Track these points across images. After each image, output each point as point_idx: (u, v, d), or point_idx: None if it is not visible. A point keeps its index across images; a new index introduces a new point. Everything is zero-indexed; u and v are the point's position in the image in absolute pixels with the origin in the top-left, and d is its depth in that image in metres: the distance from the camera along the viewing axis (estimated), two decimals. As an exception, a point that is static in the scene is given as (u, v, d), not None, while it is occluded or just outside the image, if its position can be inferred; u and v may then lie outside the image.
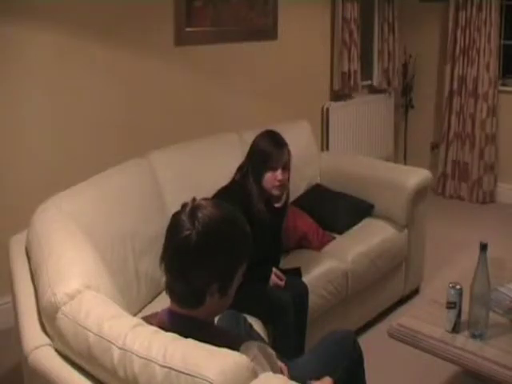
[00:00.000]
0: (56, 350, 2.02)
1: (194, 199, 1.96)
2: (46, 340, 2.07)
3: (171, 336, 1.81)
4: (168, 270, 1.93)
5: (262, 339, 2.46)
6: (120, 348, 1.77)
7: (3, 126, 4.07)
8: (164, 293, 2.04)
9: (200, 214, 1.88)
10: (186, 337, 1.80)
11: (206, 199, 1.98)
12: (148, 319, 2.03)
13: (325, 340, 2.75)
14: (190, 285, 1.89)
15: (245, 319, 2.57)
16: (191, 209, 1.91)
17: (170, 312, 1.97)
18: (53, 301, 2.02)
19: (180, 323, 1.93)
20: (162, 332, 1.85)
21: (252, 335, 2.42)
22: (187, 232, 1.85)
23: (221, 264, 1.90)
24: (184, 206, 1.95)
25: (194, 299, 1.91)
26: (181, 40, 4.97)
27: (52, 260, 2.34)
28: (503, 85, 6.73)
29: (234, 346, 1.81)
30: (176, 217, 1.93)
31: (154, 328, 1.88)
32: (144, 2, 4.66)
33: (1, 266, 3.15)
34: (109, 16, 4.47)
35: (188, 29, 4.99)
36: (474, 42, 6.59)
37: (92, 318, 1.91)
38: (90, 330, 1.86)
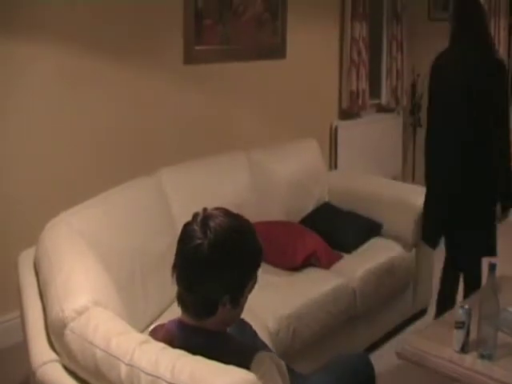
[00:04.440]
0: (63, 366, 2.02)
1: (205, 209, 1.96)
2: (54, 356, 2.08)
3: (179, 353, 1.81)
4: (180, 280, 1.91)
5: (266, 347, 2.45)
6: (127, 364, 1.77)
7: (12, 142, 4.08)
8: (171, 308, 2.06)
9: (212, 224, 1.88)
10: (197, 349, 1.80)
11: (217, 209, 1.97)
12: (155, 331, 2.04)
13: (338, 359, 2.73)
14: (202, 295, 1.89)
15: (250, 326, 2.56)
16: (203, 218, 1.91)
17: (181, 323, 1.96)
18: (61, 317, 2.02)
19: (191, 335, 1.93)
20: (170, 348, 1.85)
21: (256, 343, 2.41)
22: (199, 241, 1.85)
23: (233, 274, 1.90)
24: (195, 215, 1.94)
25: (206, 310, 1.90)
26: (190, 58, 4.99)
27: (60, 276, 2.34)
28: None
29: (246, 357, 1.83)
30: (187, 227, 1.93)
31: (162, 344, 1.88)
32: (153, 21, 4.68)
33: (9, 281, 3.16)
34: (118, 34, 4.49)
35: (197, 47, 5.02)
36: (482, 62, 6.60)
37: (100, 335, 1.91)
38: (97, 347, 1.86)
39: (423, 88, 6.95)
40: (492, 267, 2.78)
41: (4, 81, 4.01)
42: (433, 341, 2.98)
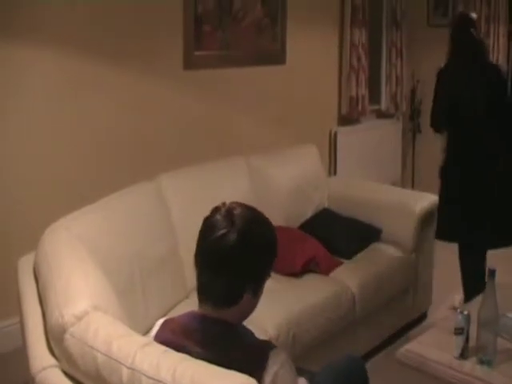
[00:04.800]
0: (63, 371, 2.02)
1: (224, 203, 2.00)
2: (54, 361, 2.08)
3: (180, 356, 1.81)
4: (206, 269, 1.95)
5: None
6: (129, 368, 1.78)
7: (12, 146, 4.09)
8: (171, 313, 2.06)
9: (236, 214, 1.94)
10: (217, 341, 1.89)
11: (235, 203, 2.02)
12: (165, 324, 2.05)
13: (332, 362, 2.74)
14: (228, 283, 1.92)
15: (251, 332, 2.57)
16: (226, 210, 1.96)
17: (200, 315, 1.97)
18: (60, 322, 2.03)
19: (211, 326, 1.94)
20: (172, 352, 1.86)
21: None
22: (224, 230, 1.89)
23: (256, 263, 1.96)
24: (217, 208, 2.00)
25: (231, 297, 1.93)
26: (190, 64, 5.00)
27: (60, 281, 2.34)
28: None
29: (264, 350, 1.89)
30: (210, 219, 1.97)
31: (164, 348, 1.88)
32: (153, 26, 4.69)
33: (9, 287, 3.16)
34: (118, 39, 4.50)
35: (197, 53, 5.03)
36: (482, 68, 6.61)
37: (100, 339, 1.91)
38: (98, 351, 1.87)
39: (422, 94, 6.97)
40: (491, 273, 2.78)
41: (4, 83, 4.02)
42: (432, 346, 2.98)
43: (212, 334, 1.92)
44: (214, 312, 1.95)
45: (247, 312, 2.03)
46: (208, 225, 1.96)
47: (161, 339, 1.99)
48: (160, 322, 2.10)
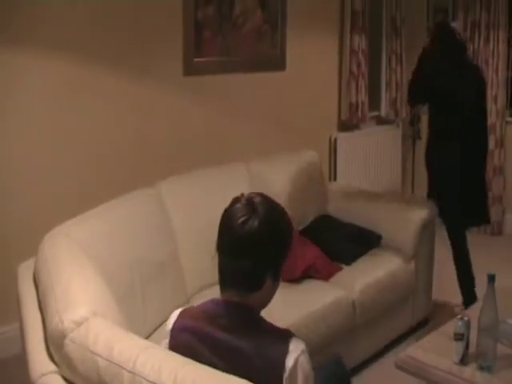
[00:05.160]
0: (63, 378, 2.02)
1: (242, 194, 2.07)
2: (53, 367, 2.07)
3: (182, 360, 1.81)
4: (229, 256, 1.99)
5: None
6: (130, 372, 1.78)
7: (11, 153, 4.09)
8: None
9: (256, 201, 2.00)
10: (241, 324, 1.95)
11: (253, 192, 2.08)
12: (183, 314, 2.06)
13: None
14: (251, 269, 1.95)
15: None
16: (246, 199, 2.02)
17: (224, 301, 2.01)
18: (60, 328, 2.03)
19: (236, 310, 1.98)
20: (173, 355, 1.87)
21: None
22: (246, 217, 1.94)
23: (277, 250, 2.02)
24: (236, 198, 2.05)
25: (254, 283, 1.98)
26: (189, 70, 5.00)
27: (59, 287, 2.35)
28: (511, 116, 6.75)
29: (285, 335, 1.96)
30: (231, 208, 2.02)
31: (165, 351, 1.89)
32: (153, 32, 4.69)
33: (9, 292, 3.15)
34: (118, 45, 4.50)
35: (197, 59, 5.03)
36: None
37: (101, 344, 1.91)
38: (99, 355, 1.87)
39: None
40: (491, 279, 2.78)
41: (3, 89, 4.02)
42: (432, 352, 2.98)
43: (236, 319, 1.96)
44: (238, 298, 1.98)
45: (268, 298, 2.07)
46: (229, 213, 2.01)
47: (181, 326, 2.02)
48: (177, 312, 2.11)
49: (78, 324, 2.03)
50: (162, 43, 4.78)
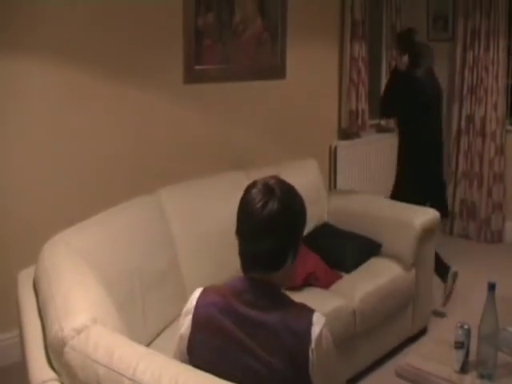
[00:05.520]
0: (63, 385, 2.02)
1: (256, 180, 2.13)
2: (53, 375, 2.07)
3: (183, 367, 1.81)
4: (251, 239, 2.04)
5: None
6: (130, 379, 1.77)
7: (11, 158, 4.09)
8: (172, 326, 2.06)
9: (272, 184, 2.06)
10: (266, 300, 2.00)
11: (266, 177, 2.14)
12: (205, 292, 2.10)
13: None
14: (275, 247, 2.01)
15: None
16: (262, 184, 2.08)
17: (249, 278, 2.06)
18: (60, 335, 2.02)
19: (261, 286, 2.03)
20: (174, 362, 1.88)
21: None
22: (266, 199, 2.01)
23: (297, 228, 2.10)
24: (251, 185, 2.12)
25: (278, 261, 2.04)
26: (190, 78, 5.01)
27: (59, 295, 2.34)
28: (511, 124, 6.76)
29: (309, 309, 2.03)
30: (248, 195, 2.09)
31: (165, 357, 1.89)
32: (153, 40, 4.70)
33: (9, 300, 3.15)
34: (118, 53, 4.51)
35: (197, 67, 5.04)
36: (482, 82, 6.63)
37: (101, 351, 1.91)
38: (99, 363, 1.86)
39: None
40: (491, 287, 2.78)
41: (3, 97, 4.02)
42: (432, 361, 2.98)
43: (260, 294, 2.01)
44: (262, 276, 2.04)
45: (288, 277, 2.14)
46: (248, 199, 2.07)
47: (205, 302, 2.05)
48: (198, 291, 2.14)
49: (78, 331, 2.03)
50: (162, 50, 4.78)
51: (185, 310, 2.11)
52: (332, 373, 2.03)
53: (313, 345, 1.92)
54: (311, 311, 2.01)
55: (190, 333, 2.04)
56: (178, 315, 2.14)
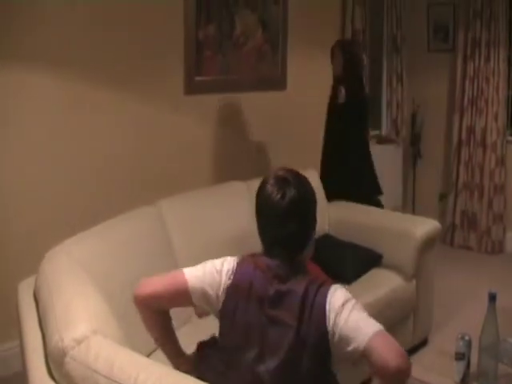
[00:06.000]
0: (63, 396, 2.02)
1: (265, 178, 2.25)
2: (53, 385, 2.07)
3: (182, 377, 1.81)
4: (279, 227, 2.18)
5: None
6: (131, 389, 1.78)
7: (11, 170, 4.10)
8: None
9: (283, 174, 2.22)
10: (295, 275, 2.17)
11: (275, 170, 2.28)
12: (243, 260, 2.26)
13: None
14: (302, 229, 2.21)
15: None
16: (274, 177, 2.22)
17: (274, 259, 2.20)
18: (60, 346, 2.02)
19: (287, 264, 2.18)
20: (175, 372, 1.89)
21: None
22: (283, 190, 2.15)
23: (314, 211, 2.27)
24: (264, 181, 2.23)
25: (304, 242, 2.24)
26: (190, 89, 5.02)
27: (60, 305, 2.34)
28: (512, 135, 6.78)
29: (327, 279, 2.24)
30: (263, 191, 2.22)
31: (166, 368, 1.90)
32: (154, 51, 4.71)
33: (9, 310, 3.15)
34: (119, 64, 4.52)
35: (198, 78, 5.05)
36: (482, 93, 6.63)
37: (101, 361, 1.91)
38: (99, 373, 1.86)
39: (423, 119, 7.00)
40: (492, 298, 2.78)
41: (4, 107, 4.03)
42: (433, 372, 2.98)
43: (286, 270, 2.17)
44: (289, 259, 2.20)
45: (312, 250, 2.32)
46: (265, 195, 2.20)
47: (243, 271, 2.22)
48: (237, 259, 2.29)
49: (79, 342, 2.02)
50: (163, 62, 4.79)
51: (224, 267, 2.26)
52: (365, 317, 2.20)
53: (327, 307, 2.08)
54: (329, 282, 2.19)
55: (225, 297, 2.21)
56: (179, 326, 2.14)
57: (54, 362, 2.07)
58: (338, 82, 5.07)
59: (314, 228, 2.28)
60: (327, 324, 2.06)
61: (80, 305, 2.35)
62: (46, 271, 2.76)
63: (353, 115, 4.97)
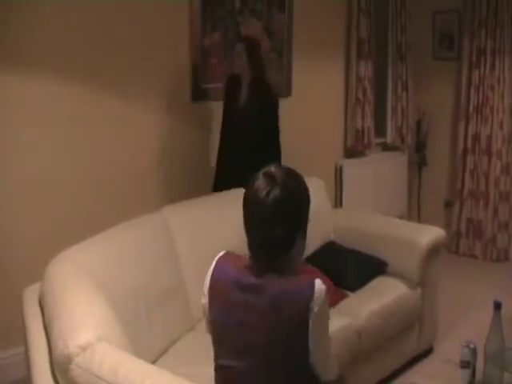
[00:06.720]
0: (68, 403, 2.02)
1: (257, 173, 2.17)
2: (58, 392, 2.07)
3: (187, 383, 1.81)
4: (262, 226, 2.12)
5: None
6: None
7: (13, 179, 4.11)
8: (177, 344, 2.06)
9: (273, 171, 2.14)
10: (271, 274, 2.12)
11: (270, 166, 2.19)
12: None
13: None
14: (285, 231, 2.12)
15: None
16: (263, 173, 2.15)
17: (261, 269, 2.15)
18: (65, 352, 2.03)
19: (268, 266, 2.14)
20: (180, 379, 1.88)
21: None
22: (269, 188, 2.08)
23: (304, 211, 2.19)
24: (255, 176, 2.17)
25: (288, 244, 2.14)
26: (197, 96, 5.03)
27: (65, 312, 2.35)
28: (517, 143, 6.76)
29: (311, 278, 2.12)
30: (252, 186, 2.14)
31: (171, 375, 1.90)
32: (161, 58, 4.73)
33: (14, 317, 3.15)
34: (124, 71, 4.54)
35: (204, 85, 5.07)
36: (488, 101, 6.63)
37: (106, 368, 1.91)
38: (104, 380, 1.87)
39: (428, 126, 7.00)
40: (497, 306, 2.77)
41: (5, 118, 4.03)
42: (438, 380, 2.96)
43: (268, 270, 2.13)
44: (272, 263, 2.15)
45: (299, 255, 2.26)
46: (252, 191, 2.13)
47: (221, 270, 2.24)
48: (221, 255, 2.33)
49: (84, 349, 2.03)
50: (169, 69, 4.80)
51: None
52: (325, 338, 2.25)
53: (314, 299, 2.06)
54: (313, 282, 2.10)
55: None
56: (184, 334, 2.14)
57: (59, 368, 2.07)
58: (238, 81, 4.68)
59: (302, 231, 2.19)
60: (308, 317, 2.08)
61: (85, 311, 2.35)
62: (51, 278, 2.76)
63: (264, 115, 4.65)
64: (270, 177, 2.12)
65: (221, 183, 4.66)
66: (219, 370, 2.20)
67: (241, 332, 2.10)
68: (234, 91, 4.69)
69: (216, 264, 2.28)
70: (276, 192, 2.07)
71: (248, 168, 4.28)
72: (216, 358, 2.20)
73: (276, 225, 2.09)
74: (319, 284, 2.09)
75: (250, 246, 2.19)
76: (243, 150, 4.61)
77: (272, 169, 2.16)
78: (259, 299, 2.08)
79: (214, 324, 2.19)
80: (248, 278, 2.13)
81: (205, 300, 2.23)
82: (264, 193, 2.07)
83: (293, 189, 2.14)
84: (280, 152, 4.79)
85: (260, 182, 2.12)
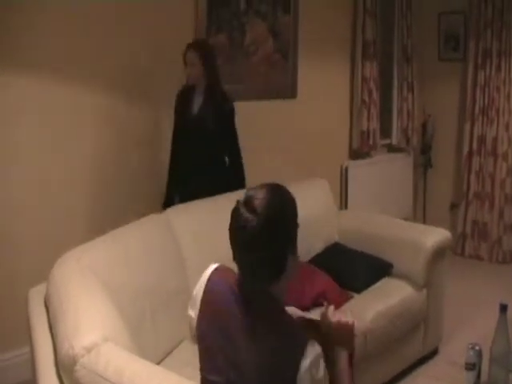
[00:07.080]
0: (73, 403, 2.02)
1: (245, 193, 2.11)
2: (64, 393, 2.07)
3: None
4: (244, 251, 2.06)
5: None
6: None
7: (21, 179, 4.12)
8: (182, 345, 2.06)
9: (252, 199, 2.04)
10: (268, 315, 2.03)
11: (255, 188, 2.14)
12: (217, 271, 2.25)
13: None
14: (267, 257, 2.02)
15: None
16: (244, 199, 2.07)
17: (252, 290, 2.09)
18: (70, 353, 2.03)
19: (264, 300, 2.07)
20: (185, 380, 1.89)
21: None
22: (246, 216, 2.01)
23: (287, 233, 2.08)
24: (238, 201, 2.11)
25: (276, 268, 2.05)
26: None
27: (70, 313, 2.35)
28: (523, 144, 6.75)
29: (304, 338, 1.99)
30: (233, 212, 2.09)
31: (176, 376, 1.89)
32: (165, 60, 4.72)
33: (19, 317, 3.15)
34: (128, 74, 4.55)
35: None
36: (493, 102, 6.62)
37: (111, 369, 1.91)
38: (109, 381, 1.87)
39: (433, 128, 6.99)
40: (503, 308, 2.77)
41: (5, 117, 4.03)
42: (443, 382, 2.97)
43: (263, 306, 2.05)
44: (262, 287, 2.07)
45: (292, 276, 2.12)
46: (233, 217, 2.09)
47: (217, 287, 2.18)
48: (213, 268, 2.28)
49: (89, 350, 2.03)
50: (173, 70, 4.80)
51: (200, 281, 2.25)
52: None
53: (301, 373, 1.93)
54: (306, 342, 1.98)
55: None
56: (188, 335, 2.14)
57: (64, 369, 2.07)
58: (191, 92, 4.54)
59: (292, 248, 2.09)
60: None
61: (90, 312, 2.36)
62: (56, 278, 2.76)
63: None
64: (248, 202, 2.05)
65: (173, 193, 4.60)
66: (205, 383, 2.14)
67: (230, 350, 2.04)
68: (186, 103, 4.55)
69: (209, 278, 2.24)
70: (253, 223, 1.99)
71: (203, 173, 4.42)
72: (202, 370, 2.13)
73: (257, 252, 2.02)
74: (309, 356, 1.97)
75: (240, 268, 2.13)
76: (198, 156, 4.51)
77: (252, 192, 2.10)
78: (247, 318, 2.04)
79: (203, 338, 2.13)
80: (239, 297, 2.09)
81: (193, 312, 2.18)
82: (242, 220, 2.02)
83: (273, 214, 2.03)
84: (240, 155, 4.77)
85: (239, 209, 2.06)
